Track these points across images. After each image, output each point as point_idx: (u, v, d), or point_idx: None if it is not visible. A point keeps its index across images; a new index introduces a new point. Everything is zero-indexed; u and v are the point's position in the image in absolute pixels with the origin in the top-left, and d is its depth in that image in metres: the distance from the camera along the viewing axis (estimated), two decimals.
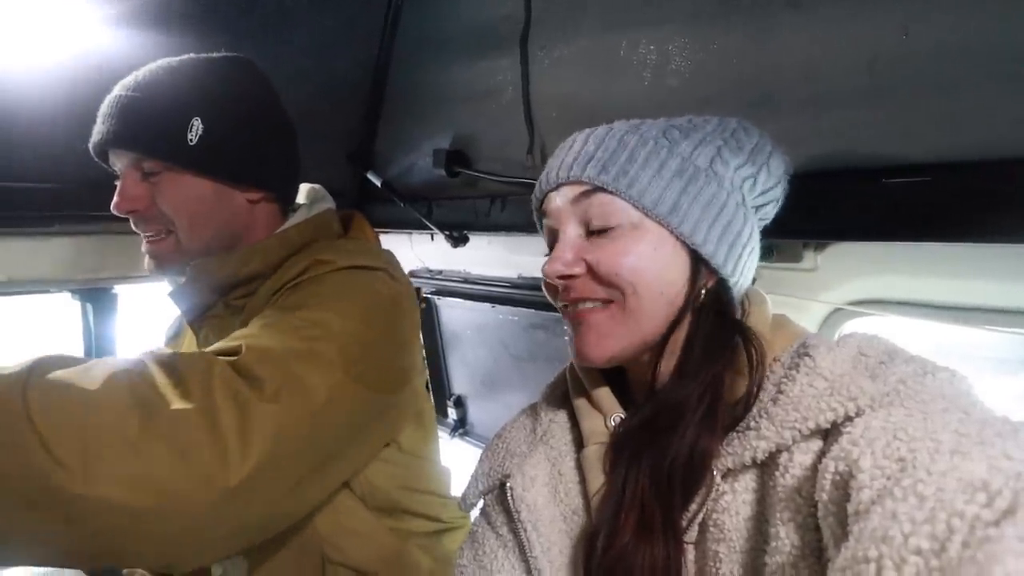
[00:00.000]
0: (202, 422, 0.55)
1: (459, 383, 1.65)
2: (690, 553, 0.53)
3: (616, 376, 0.64)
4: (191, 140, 0.77)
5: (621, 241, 0.56)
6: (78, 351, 1.38)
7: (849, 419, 0.46)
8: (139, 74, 0.79)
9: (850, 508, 0.41)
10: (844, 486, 0.43)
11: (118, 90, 0.78)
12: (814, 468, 0.47)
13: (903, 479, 0.39)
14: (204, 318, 0.86)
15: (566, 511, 0.60)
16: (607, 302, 0.57)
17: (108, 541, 0.51)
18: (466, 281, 1.46)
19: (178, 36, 1.12)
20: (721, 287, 0.58)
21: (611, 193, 0.56)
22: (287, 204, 0.92)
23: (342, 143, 1.48)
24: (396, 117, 1.44)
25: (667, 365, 0.58)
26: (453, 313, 1.61)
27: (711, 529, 0.51)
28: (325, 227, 0.90)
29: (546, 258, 0.60)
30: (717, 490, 0.52)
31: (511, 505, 0.61)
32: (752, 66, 0.83)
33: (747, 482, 0.51)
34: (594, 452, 0.59)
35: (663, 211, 0.56)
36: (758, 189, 0.59)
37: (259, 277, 0.83)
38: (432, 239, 1.44)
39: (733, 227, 0.58)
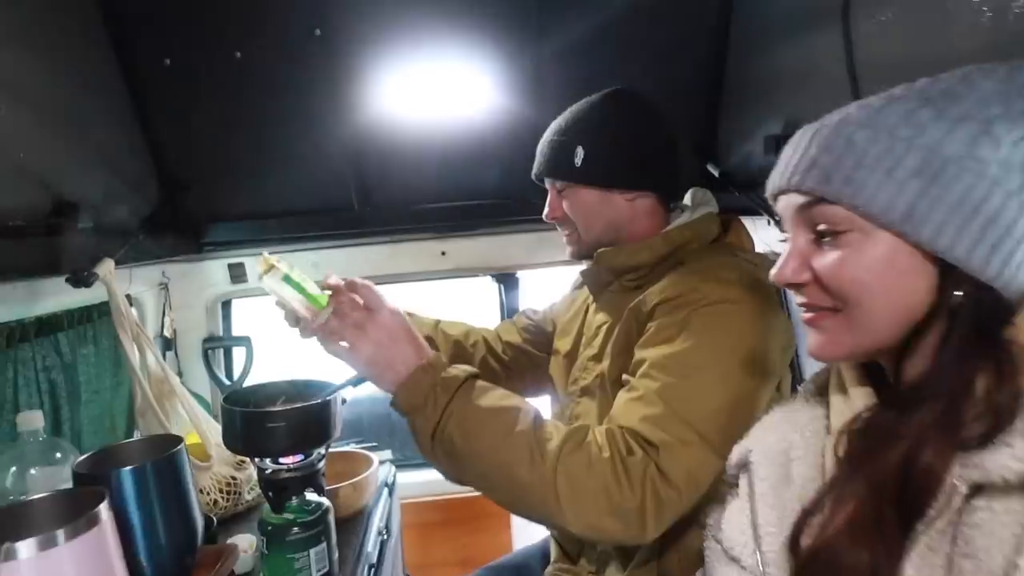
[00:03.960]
0: (634, 510, 0.82)
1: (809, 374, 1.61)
2: (917, 559, 0.51)
3: (877, 366, 0.62)
4: (577, 163, 1.06)
5: (847, 251, 0.55)
6: (495, 316, 1.91)
7: None
8: (556, 121, 1.13)
9: None
10: None
11: (546, 134, 1.13)
12: None
13: None
14: (603, 292, 1.16)
15: (797, 489, 0.62)
16: (835, 310, 0.57)
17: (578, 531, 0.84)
18: None
19: (563, 73, 1.47)
20: (983, 291, 0.51)
21: (834, 204, 0.54)
22: (668, 199, 1.13)
23: (691, 141, 1.62)
24: (733, 108, 1.50)
25: (914, 367, 0.55)
26: None
27: (958, 541, 0.48)
28: (704, 231, 1.09)
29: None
30: (967, 503, 0.48)
31: (750, 474, 0.67)
32: None
33: (1013, 504, 0.46)
34: (835, 439, 0.60)
35: (895, 218, 0.52)
36: None
37: (646, 266, 1.07)
38: (768, 224, 1.46)
39: (999, 222, 0.50)
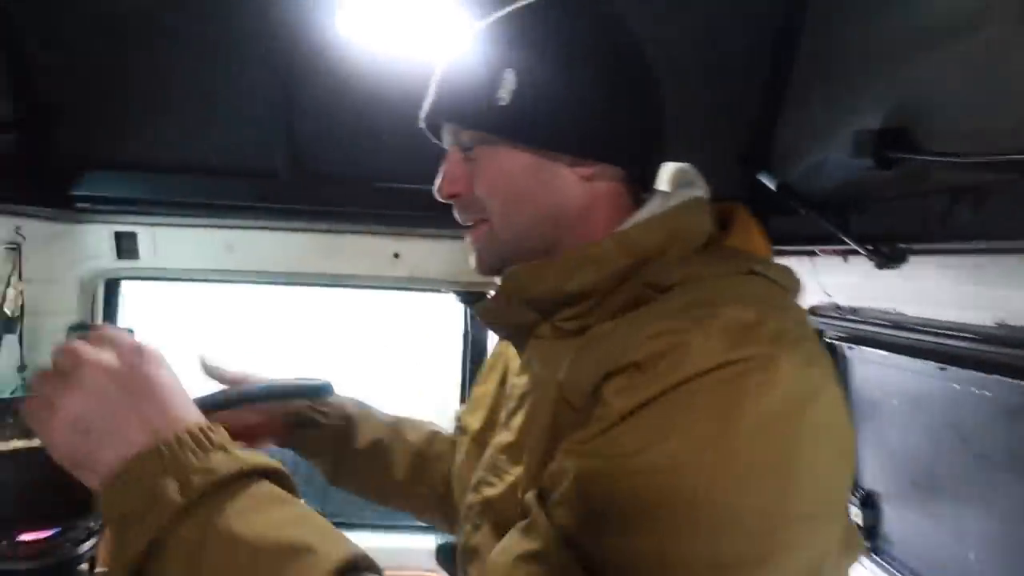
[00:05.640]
0: None
1: (872, 474, 1.15)
2: None
3: None
4: (501, 99, 0.60)
5: None
6: (455, 350, 1.48)
7: None
8: (465, 35, 0.66)
9: None
10: None
11: (446, 57, 0.67)
12: None
13: None
14: (525, 339, 0.67)
15: None
16: None
17: None
18: (897, 326, 0.99)
19: None
20: None
21: None
22: (640, 188, 0.67)
23: (734, 143, 1.21)
24: (803, 101, 1.09)
25: None
26: (872, 372, 1.14)
27: None
28: (688, 228, 0.61)
29: None
30: None
31: None
32: None
33: None
34: None
35: None
36: None
37: (592, 294, 0.60)
38: (845, 260, 1.03)
39: None
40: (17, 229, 1.26)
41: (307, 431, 0.85)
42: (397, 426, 0.91)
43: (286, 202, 1.22)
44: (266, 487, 0.49)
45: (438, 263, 1.37)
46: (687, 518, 0.44)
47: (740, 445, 0.44)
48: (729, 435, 0.45)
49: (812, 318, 1.25)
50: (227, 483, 0.46)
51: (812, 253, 1.13)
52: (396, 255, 1.36)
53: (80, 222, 1.32)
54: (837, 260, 1.06)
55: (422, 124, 0.70)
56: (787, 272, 0.60)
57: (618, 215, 0.64)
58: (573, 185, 0.64)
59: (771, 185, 1.10)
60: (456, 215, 0.69)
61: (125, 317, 1.48)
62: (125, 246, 1.37)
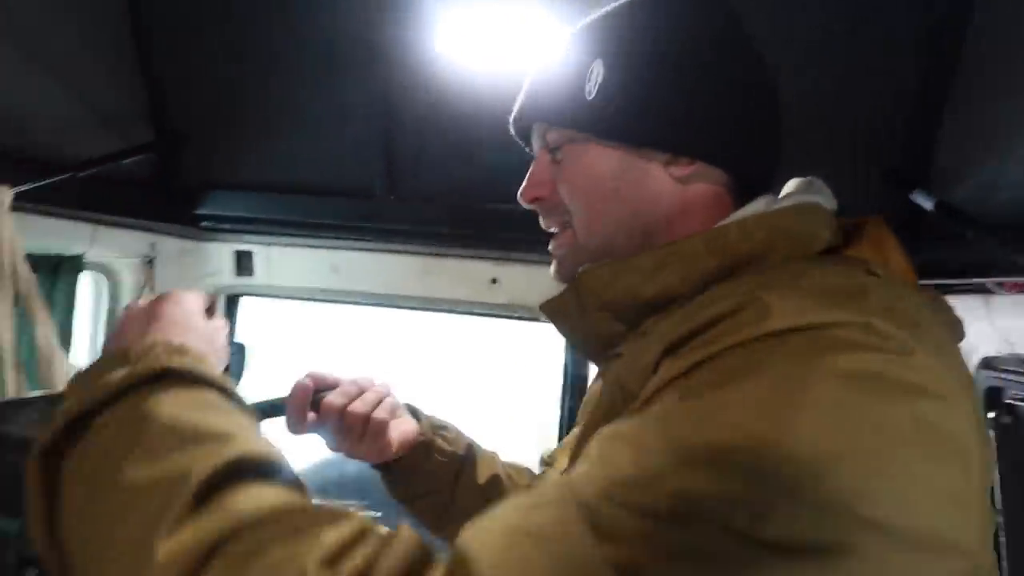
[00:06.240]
0: None
1: None
2: None
3: None
4: (589, 92, 0.55)
5: None
6: (554, 387, 1.39)
7: None
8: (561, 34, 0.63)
9: None
10: None
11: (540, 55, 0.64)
12: None
13: None
14: (605, 358, 0.58)
15: None
16: None
17: None
18: None
19: None
20: None
21: None
22: (745, 195, 0.57)
23: (880, 157, 1.03)
24: (972, 102, 0.90)
25: None
26: None
27: None
28: (794, 231, 0.50)
29: None
30: None
31: None
32: None
33: None
34: None
35: None
36: None
37: (676, 300, 0.50)
38: None
39: None
40: (152, 245, 1.36)
41: (432, 455, 0.77)
42: (507, 468, 0.83)
43: (384, 223, 1.22)
44: (219, 397, 0.45)
45: (538, 291, 1.29)
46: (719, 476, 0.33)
47: (808, 416, 0.33)
48: (797, 403, 0.34)
49: (986, 373, 1.02)
50: (175, 376, 0.44)
51: (985, 289, 0.92)
52: (494, 280, 1.31)
53: (204, 240, 1.40)
54: (1022, 298, 0.85)
55: (512, 130, 0.66)
56: (925, 293, 0.46)
57: (718, 217, 0.54)
58: (666, 187, 0.56)
59: (927, 205, 0.92)
60: (541, 222, 0.63)
61: (243, 332, 1.55)
62: (243, 264, 1.44)
